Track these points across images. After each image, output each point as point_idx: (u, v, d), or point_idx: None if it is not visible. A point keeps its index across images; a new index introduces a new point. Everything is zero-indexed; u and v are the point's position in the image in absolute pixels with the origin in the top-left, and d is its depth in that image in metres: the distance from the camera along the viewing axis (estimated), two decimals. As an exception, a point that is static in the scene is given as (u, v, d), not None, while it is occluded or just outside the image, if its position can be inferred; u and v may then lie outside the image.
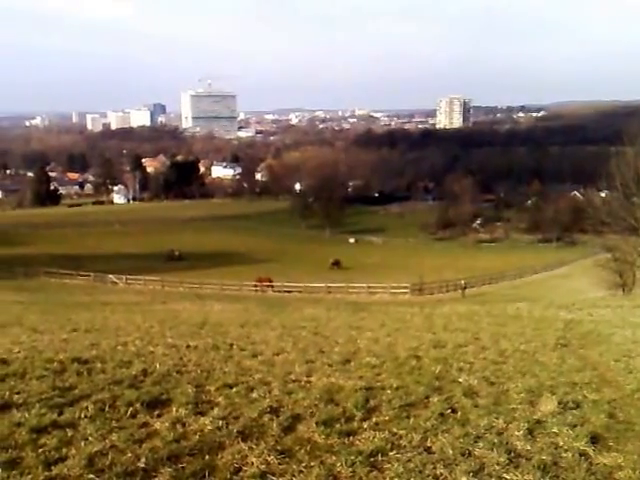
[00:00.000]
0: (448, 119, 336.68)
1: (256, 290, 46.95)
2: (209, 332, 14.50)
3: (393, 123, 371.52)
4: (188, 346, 11.42)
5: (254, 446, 5.54)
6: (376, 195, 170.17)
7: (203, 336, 13.40)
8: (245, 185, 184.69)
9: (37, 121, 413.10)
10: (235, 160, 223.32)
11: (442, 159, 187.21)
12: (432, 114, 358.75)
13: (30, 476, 4.81)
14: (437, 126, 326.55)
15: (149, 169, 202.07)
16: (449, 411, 6.81)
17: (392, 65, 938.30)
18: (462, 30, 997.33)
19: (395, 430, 6.09)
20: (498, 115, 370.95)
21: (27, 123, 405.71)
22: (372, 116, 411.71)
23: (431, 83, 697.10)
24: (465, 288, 42.77)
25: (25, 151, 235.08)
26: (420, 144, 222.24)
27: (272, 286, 47.88)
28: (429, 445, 5.75)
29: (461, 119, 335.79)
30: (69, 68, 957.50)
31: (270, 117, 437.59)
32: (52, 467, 5.01)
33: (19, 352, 9.94)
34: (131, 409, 6.56)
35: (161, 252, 78.15)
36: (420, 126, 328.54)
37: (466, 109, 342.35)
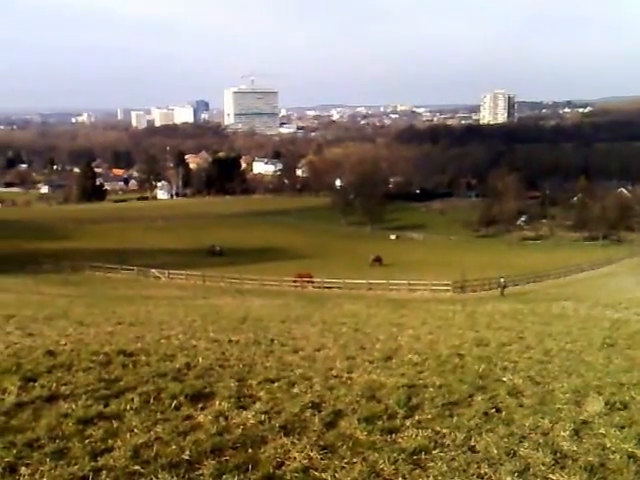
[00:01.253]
0: (492, 115, 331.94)
1: (296, 286, 47.08)
2: (250, 327, 14.60)
3: (436, 119, 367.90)
4: (230, 341, 11.53)
5: (296, 441, 5.55)
6: (417, 192, 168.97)
7: (244, 331, 13.50)
8: (286, 181, 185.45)
9: (83, 118, 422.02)
10: (276, 156, 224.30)
11: (486, 155, 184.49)
12: (476, 109, 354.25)
13: (77, 466, 4.89)
14: (481, 122, 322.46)
15: (192, 165, 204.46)
16: (493, 410, 6.72)
17: (435, 60, 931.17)
18: (508, 25, 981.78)
19: (438, 428, 6.03)
20: (543, 111, 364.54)
21: (73, 120, 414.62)
22: (414, 112, 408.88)
23: (475, 78, 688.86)
24: (504, 287, 41.83)
25: (72, 147, 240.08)
26: (463, 140, 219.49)
27: (312, 282, 47.95)
28: (473, 444, 5.68)
29: (505, 115, 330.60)
30: (115, 65, 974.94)
31: (311, 113, 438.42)
32: (98, 458, 5.09)
33: (66, 344, 10.14)
34: (175, 402, 6.64)
35: (202, 247, 79.09)
36: (463, 122, 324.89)
37: (511, 104, 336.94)
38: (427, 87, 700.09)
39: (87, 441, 5.44)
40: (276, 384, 7.65)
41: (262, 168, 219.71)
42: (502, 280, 42.78)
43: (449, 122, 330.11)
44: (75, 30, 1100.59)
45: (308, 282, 47.82)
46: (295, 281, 48.30)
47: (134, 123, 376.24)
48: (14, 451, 5.13)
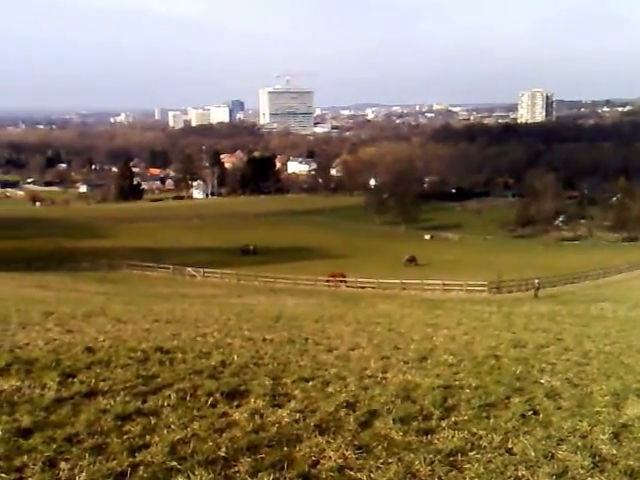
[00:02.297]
0: (530, 113, 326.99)
1: (329, 285, 47.11)
2: (284, 326, 14.66)
3: (472, 117, 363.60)
4: (264, 339, 11.58)
5: (331, 440, 5.55)
6: (453, 191, 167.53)
7: (278, 330, 13.57)
8: (320, 180, 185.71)
9: (121, 118, 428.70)
10: (310, 156, 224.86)
11: (523, 154, 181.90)
12: (513, 108, 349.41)
13: (115, 462, 4.95)
14: (518, 120, 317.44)
15: (227, 165, 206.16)
16: (531, 412, 6.64)
17: (472, 58, 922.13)
18: (546, 22, 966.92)
19: (475, 430, 5.98)
20: (582, 109, 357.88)
21: (112, 120, 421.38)
22: (450, 110, 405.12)
23: (512, 77, 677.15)
24: (538, 288, 40.85)
25: (110, 147, 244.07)
26: (500, 139, 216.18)
27: (345, 281, 47.92)
28: (510, 446, 5.61)
29: (543, 113, 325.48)
30: (153, 66, 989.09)
31: (346, 113, 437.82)
32: (136, 453, 5.15)
33: (104, 341, 10.29)
34: (211, 399, 6.69)
35: (236, 246, 79.70)
36: (500, 120, 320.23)
37: (549, 103, 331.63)
38: (463, 86, 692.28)
39: (125, 437, 5.51)
40: (310, 383, 7.66)
41: (296, 167, 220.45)
42: (536, 282, 41.94)
43: (486, 121, 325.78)
44: (114, 31, 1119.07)
45: (341, 281, 47.82)
46: (328, 281, 48.34)
47: (171, 123, 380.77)
48: (54, 446, 5.21)
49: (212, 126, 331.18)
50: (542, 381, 8.17)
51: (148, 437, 5.50)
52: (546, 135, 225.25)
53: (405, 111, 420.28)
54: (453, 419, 6.33)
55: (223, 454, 5.14)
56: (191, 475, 4.73)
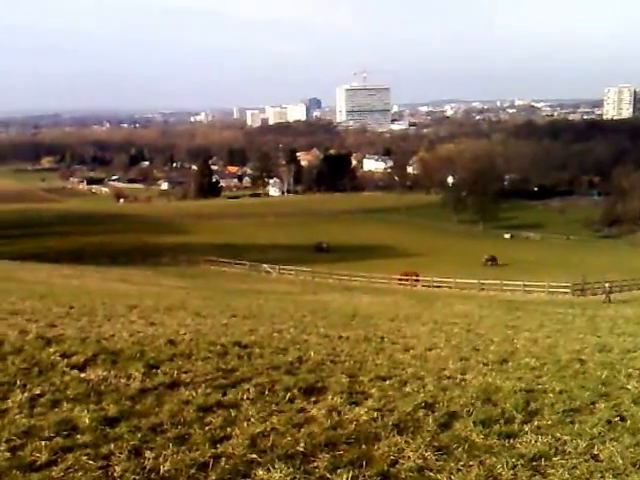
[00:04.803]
0: (616, 110, 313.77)
1: (405, 284, 46.70)
2: (360, 324, 14.67)
3: (556, 114, 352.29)
4: (340, 337, 11.62)
5: (410, 440, 5.48)
6: (535, 189, 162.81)
7: (354, 327, 13.58)
8: (396, 178, 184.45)
9: (201, 117, 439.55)
10: (387, 153, 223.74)
11: (609, 152, 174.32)
12: (599, 104, 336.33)
13: (198, 452, 5.05)
14: (604, 117, 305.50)
15: (303, 163, 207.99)
16: (617, 419, 6.38)
17: (555, 53, 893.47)
18: (632, 17, 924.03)
19: (559, 435, 5.79)
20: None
21: (192, 119, 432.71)
22: (533, 106, 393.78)
23: (598, 72, 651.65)
24: (610, 292, 37.68)
25: (190, 145, 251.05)
26: (585, 136, 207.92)
27: (418, 280, 47.38)
28: (596, 453, 5.41)
29: (631, 109, 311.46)
30: (231, 66, 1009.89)
31: (424, 109, 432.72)
32: (218, 445, 5.23)
33: (185, 334, 10.52)
34: (289, 394, 6.74)
35: (311, 244, 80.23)
36: (585, 117, 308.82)
37: (636, 99, 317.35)
38: (547, 81, 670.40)
39: (207, 428, 5.61)
40: (387, 382, 7.60)
41: (372, 165, 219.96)
42: (607, 285, 38.98)
43: (570, 117, 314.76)
44: (193, 32, 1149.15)
45: (415, 280, 47.33)
46: (400, 279, 47.93)
47: (249, 122, 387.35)
48: (139, 435, 5.35)
49: (289, 124, 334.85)
50: (629, 387, 7.84)
51: (229, 429, 5.59)
52: (633, 132, 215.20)
53: (486, 107, 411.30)
54: (536, 423, 6.16)
55: (302, 449, 5.16)
56: (271, 468, 4.77)
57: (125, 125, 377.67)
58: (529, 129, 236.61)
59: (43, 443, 5.09)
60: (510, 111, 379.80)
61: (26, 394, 6.31)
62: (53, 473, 4.60)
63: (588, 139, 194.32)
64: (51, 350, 8.25)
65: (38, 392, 6.41)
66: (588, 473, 4.99)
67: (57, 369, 7.38)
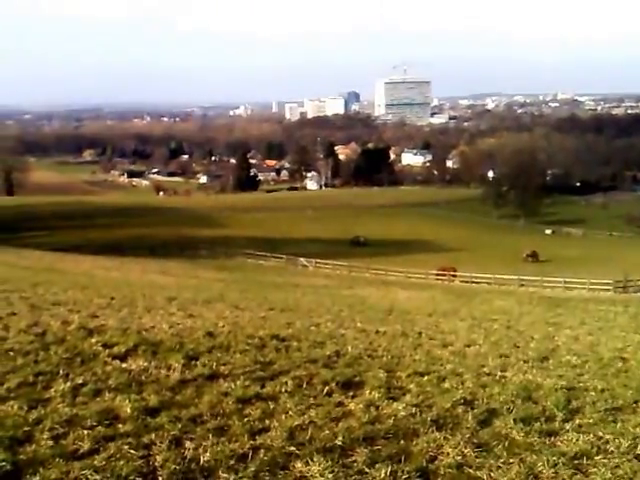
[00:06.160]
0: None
1: (442, 279, 46.26)
2: (397, 319, 14.61)
3: (600, 108, 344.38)
4: (377, 331, 11.60)
5: (449, 436, 5.43)
6: (577, 184, 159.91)
7: (391, 322, 13.53)
8: (435, 172, 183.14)
9: (240, 111, 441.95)
10: (426, 147, 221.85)
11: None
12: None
13: (237, 444, 5.08)
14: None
15: (341, 156, 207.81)
16: (662, 419, 6.22)
17: (600, 46, 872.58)
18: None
19: (601, 434, 5.68)
20: None
21: (231, 113, 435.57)
22: (576, 100, 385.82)
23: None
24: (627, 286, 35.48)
25: (229, 139, 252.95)
26: (630, 130, 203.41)
27: (455, 275, 46.89)
28: (639, 452, 5.29)
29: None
30: (270, 59, 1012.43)
31: (465, 102, 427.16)
32: (256, 437, 5.26)
33: (223, 326, 10.62)
34: (327, 388, 6.75)
35: (348, 238, 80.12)
36: (630, 111, 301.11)
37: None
38: (591, 74, 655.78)
39: (245, 420, 5.64)
40: (426, 378, 7.56)
41: (411, 159, 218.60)
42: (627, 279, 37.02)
43: (614, 111, 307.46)
44: (244, 25, 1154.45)
45: (453, 276, 46.85)
46: (437, 274, 47.50)
47: (287, 115, 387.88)
48: (179, 425, 5.41)
49: (327, 118, 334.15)
50: (674, 387, 7.64)
51: (267, 421, 5.62)
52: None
53: (528, 100, 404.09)
54: (577, 422, 6.06)
55: (340, 443, 5.15)
56: (310, 461, 4.78)
57: (165, 119, 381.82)
58: (572, 123, 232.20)
59: (85, 432, 5.16)
60: (553, 105, 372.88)
61: (69, 384, 6.42)
62: (95, 462, 4.66)
63: (632, 134, 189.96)
64: (93, 340, 8.41)
65: (80, 382, 6.52)
66: (631, 473, 4.90)
67: (99, 359, 7.51)
